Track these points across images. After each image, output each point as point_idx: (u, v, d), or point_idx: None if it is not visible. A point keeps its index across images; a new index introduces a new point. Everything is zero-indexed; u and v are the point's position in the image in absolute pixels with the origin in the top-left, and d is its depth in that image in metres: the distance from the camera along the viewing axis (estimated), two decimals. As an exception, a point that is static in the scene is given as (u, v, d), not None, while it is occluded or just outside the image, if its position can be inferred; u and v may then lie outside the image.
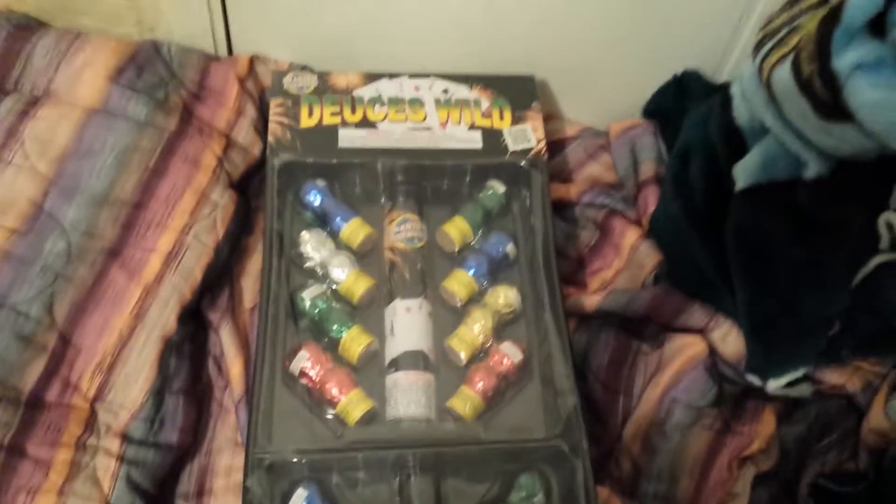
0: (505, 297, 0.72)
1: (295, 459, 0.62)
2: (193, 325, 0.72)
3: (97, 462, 0.63)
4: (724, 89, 0.78)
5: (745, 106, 0.74)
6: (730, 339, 0.75)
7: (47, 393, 0.64)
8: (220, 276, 0.76)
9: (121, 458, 0.63)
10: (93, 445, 0.63)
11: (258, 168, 0.82)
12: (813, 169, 0.71)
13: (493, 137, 0.81)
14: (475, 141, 0.81)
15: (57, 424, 0.63)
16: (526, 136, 0.82)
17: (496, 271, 0.75)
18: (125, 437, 0.64)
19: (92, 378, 0.65)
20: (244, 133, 0.81)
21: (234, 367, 0.70)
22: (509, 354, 0.69)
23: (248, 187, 0.82)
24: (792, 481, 0.71)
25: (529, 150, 0.80)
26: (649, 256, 0.81)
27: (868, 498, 0.66)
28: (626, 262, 0.82)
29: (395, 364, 0.68)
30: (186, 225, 0.72)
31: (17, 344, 0.64)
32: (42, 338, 0.65)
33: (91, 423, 0.64)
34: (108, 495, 0.61)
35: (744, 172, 0.74)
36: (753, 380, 0.73)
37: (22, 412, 0.62)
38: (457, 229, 0.76)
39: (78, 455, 0.63)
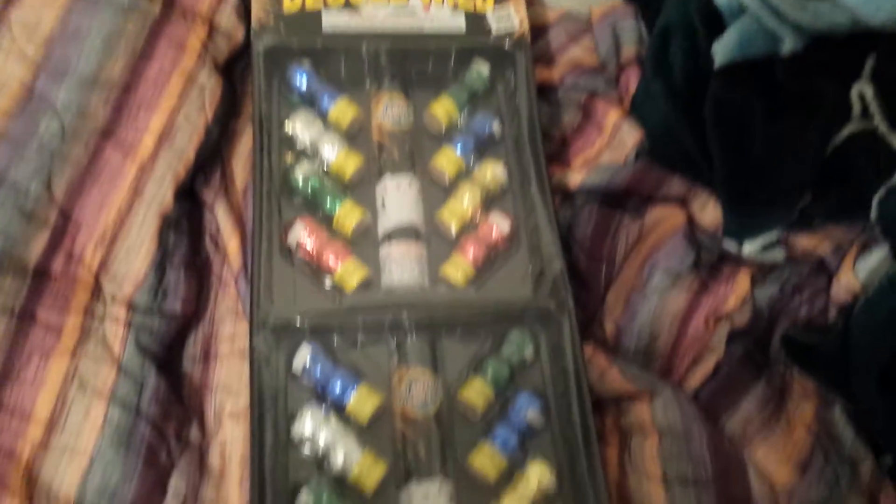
0: (492, 171, 0.74)
1: (298, 320, 0.65)
2: (189, 204, 0.74)
3: (106, 327, 0.65)
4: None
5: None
6: (707, 209, 0.79)
7: (52, 264, 0.66)
8: (212, 158, 0.77)
9: (128, 324, 0.66)
10: (100, 312, 0.66)
11: (242, 52, 0.82)
12: (788, 45, 0.73)
13: (476, 20, 0.82)
14: (458, 23, 0.82)
15: (64, 293, 0.65)
16: (509, 18, 0.83)
17: (483, 148, 0.77)
18: (130, 306, 0.67)
19: (94, 251, 0.67)
20: (226, 17, 0.81)
21: (232, 242, 0.73)
22: (498, 224, 0.72)
23: (233, 72, 0.83)
24: (764, 338, 0.75)
25: (513, 32, 0.82)
26: (630, 134, 0.83)
27: (836, 347, 0.70)
28: (608, 141, 0.85)
29: (388, 236, 0.71)
30: (176, 106, 0.73)
31: (20, 218, 0.66)
32: (43, 213, 0.67)
33: (97, 293, 0.67)
34: (118, 356, 0.64)
35: (722, 50, 0.76)
36: (729, 245, 0.77)
37: (29, 281, 0.64)
38: (443, 109, 0.77)
39: (87, 321, 0.65)
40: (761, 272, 0.78)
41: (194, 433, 0.66)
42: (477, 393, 0.65)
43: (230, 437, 0.66)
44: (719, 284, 0.76)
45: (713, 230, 0.78)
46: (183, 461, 0.64)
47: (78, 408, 0.62)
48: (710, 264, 0.78)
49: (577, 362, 0.65)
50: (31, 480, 0.59)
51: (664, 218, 0.79)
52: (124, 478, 0.61)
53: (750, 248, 0.76)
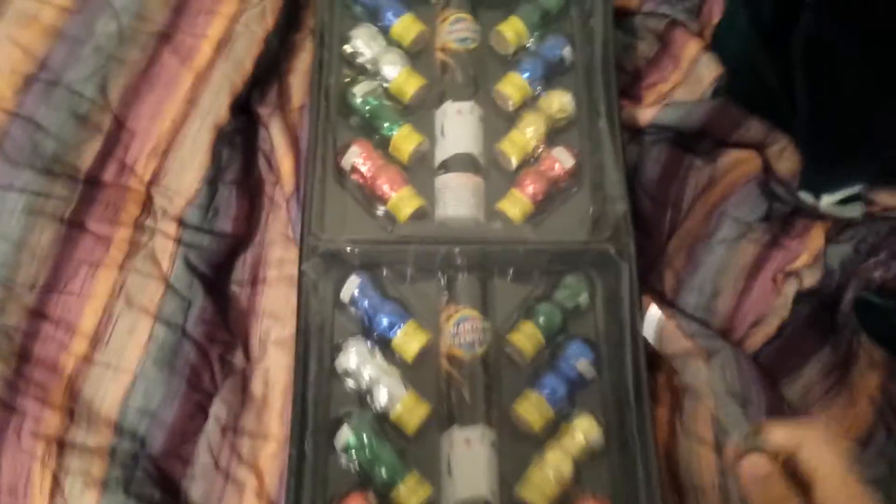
0: (559, 102, 0.70)
1: (348, 248, 0.63)
2: (244, 119, 0.72)
3: (155, 243, 0.64)
4: None
5: None
6: (786, 156, 0.74)
7: (104, 173, 0.65)
8: (269, 72, 0.74)
9: (178, 241, 0.65)
10: (150, 227, 0.65)
11: (307, -40, 0.78)
12: (892, -23, 0.66)
13: (555, -66, 0.76)
14: (536, -63, 0.76)
15: (115, 204, 0.64)
16: (590, -67, 0.77)
17: (551, 76, 0.73)
18: (181, 222, 0.65)
19: (147, 162, 0.66)
20: (291, -77, 0.77)
21: (285, 162, 0.70)
22: (561, 160, 0.68)
23: (296, -19, 0.79)
24: (833, 300, 0.71)
25: (593, -52, 0.76)
26: (709, 69, 0.77)
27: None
28: (684, 75, 0.79)
29: (445, 166, 0.68)
30: (237, 12, 0.70)
31: (74, 122, 0.64)
32: (97, 118, 0.65)
33: (148, 206, 0.66)
34: (167, 273, 0.63)
35: None
36: (806, 197, 0.72)
37: (80, 189, 0.63)
38: (512, 30, 0.73)
39: (136, 234, 0.64)
40: (836, 228, 0.73)
41: (238, 358, 0.66)
42: (527, 337, 0.63)
43: (274, 365, 0.66)
44: (791, 239, 0.72)
45: (790, 179, 0.73)
46: (225, 386, 0.64)
47: (123, 323, 0.61)
48: (782, 217, 0.73)
49: (634, 313, 0.62)
50: (72, 395, 0.60)
51: (738, 163, 0.74)
52: (166, 399, 0.61)
53: (828, 200, 0.71)
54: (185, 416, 0.62)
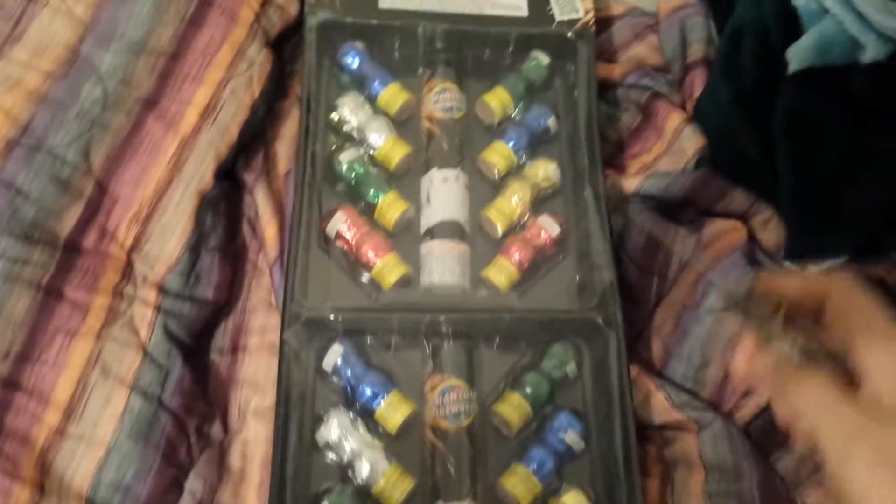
0: (544, 170, 0.71)
1: (332, 316, 0.62)
2: (228, 185, 0.71)
3: (134, 310, 0.63)
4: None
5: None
6: (770, 226, 0.74)
7: (84, 239, 0.64)
8: (255, 138, 0.74)
9: (157, 308, 0.63)
10: (130, 294, 0.63)
11: (295, 29, 0.79)
12: (871, 53, 0.67)
13: (538, 4, 0.78)
14: (520, 7, 0.78)
15: (94, 270, 0.63)
16: (573, 5, 0.78)
17: (536, 145, 0.73)
18: (161, 289, 0.64)
19: (129, 228, 0.65)
20: (281, -10, 0.78)
21: (269, 228, 0.70)
22: (546, 227, 0.68)
23: (283, 51, 0.79)
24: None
25: (577, 20, 0.77)
26: (692, 140, 0.78)
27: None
28: (667, 146, 0.80)
29: (431, 233, 0.67)
30: (223, 79, 0.70)
31: (55, 188, 0.63)
32: (79, 183, 0.65)
33: (128, 273, 0.64)
34: (145, 342, 0.62)
35: (798, 55, 0.70)
36: (791, 267, 0.72)
37: (59, 255, 0.62)
38: (497, 100, 0.74)
39: (115, 301, 0.63)
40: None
41: (216, 430, 0.64)
42: (513, 408, 0.61)
43: (253, 437, 0.64)
44: (778, 310, 0.71)
45: (775, 250, 0.73)
46: (202, 460, 0.62)
47: (98, 394, 0.59)
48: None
49: (623, 383, 0.61)
50: (44, 468, 0.57)
51: (723, 233, 0.74)
52: (140, 473, 0.59)
53: (814, 269, 0.71)
54: (160, 492, 0.60)
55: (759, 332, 0.38)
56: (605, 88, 0.83)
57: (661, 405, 0.66)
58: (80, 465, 0.58)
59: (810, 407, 0.34)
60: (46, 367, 0.59)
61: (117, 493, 0.58)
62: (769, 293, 0.38)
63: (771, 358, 0.37)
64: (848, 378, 0.34)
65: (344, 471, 0.60)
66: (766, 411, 0.68)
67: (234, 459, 0.63)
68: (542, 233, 0.67)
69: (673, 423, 0.66)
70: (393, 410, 0.60)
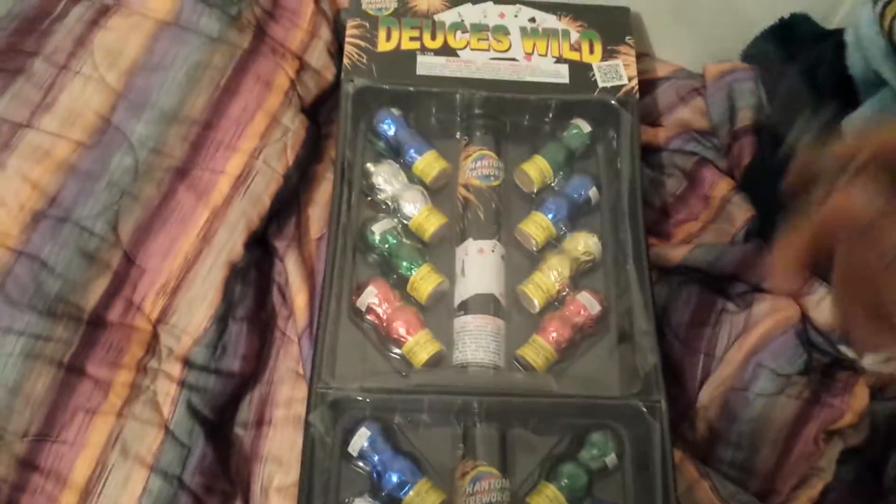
0: (585, 243, 0.68)
1: (360, 398, 0.59)
2: (259, 251, 0.70)
3: (158, 386, 0.61)
4: (836, 35, 0.71)
5: (860, 55, 0.67)
6: (824, 306, 0.70)
7: (109, 313, 0.62)
8: (288, 204, 0.73)
9: (182, 383, 0.61)
10: (154, 368, 0.62)
11: (330, 93, 0.78)
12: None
13: (580, 72, 0.76)
14: (561, 75, 0.76)
15: (118, 345, 0.61)
16: (617, 72, 0.76)
17: (576, 216, 0.71)
18: (187, 362, 0.62)
19: (155, 300, 0.63)
20: (318, 55, 0.77)
21: (299, 297, 0.68)
22: (587, 305, 0.65)
23: (318, 113, 0.78)
24: (879, 461, 0.66)
25: (620, 87, 0.75)
26: (741, 210, 0.75)
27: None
28: (714, 215, 0.77)
29: (465, 307, 0.65)
30: (256, 148, 0.69)
31: (81, 261, 0.62)
32: (106, 256, 0.63)
33: (153, 346, 0.63)
34: (167, 420, 0.60)
35: (855, 126, 0.67)
36: (847, 352, 0.68)
37: (83, 331, 0.61)
38: (536, 169, 0.71)
39: (139, 378, 0.61)
40: (879, 382, 0.69)
41: (238, 508, 0.61)
42: (549, 502, 0.58)
43: (276, 514, 0.61)
44: (833, 396, 0.67)
45: (829, 331, 0.69)
46: None
47: (117, 475, 0.57)
48: (821, 369, 0.69)
49: (667, 476, 0.58)
50: (60, 552, 0.55)
51: (774, 311, 0.70)
52: (160, 557, 0.56)
53: (871, 360, 0.66)
54: (179, 576, 0.57)
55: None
56: (649, 152, 0.81)
57: (706, 496, 0.62)
58: (96, 548, 0.56)
59: None
60: (65, 447, 0.57)
61: (135, 577, 0.56)
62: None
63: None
64: None
65: (369, 562, 0.57)
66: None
67: (257, 539, 0.61)
68: (582, 311, 0.64)
69: (718, 515, 0.62)
70: (421, 501, 0.57)
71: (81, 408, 0.59)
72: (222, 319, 0.65)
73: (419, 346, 0.62)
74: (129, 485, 0.57)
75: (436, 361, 0.63)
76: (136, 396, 0.60)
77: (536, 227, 0.68)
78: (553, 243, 0.69)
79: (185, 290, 0.64)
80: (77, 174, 0.65)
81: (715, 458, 0.66)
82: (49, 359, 0.59)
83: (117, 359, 0.61)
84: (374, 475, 0.59)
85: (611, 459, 0.60)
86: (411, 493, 0.57)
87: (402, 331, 0.63)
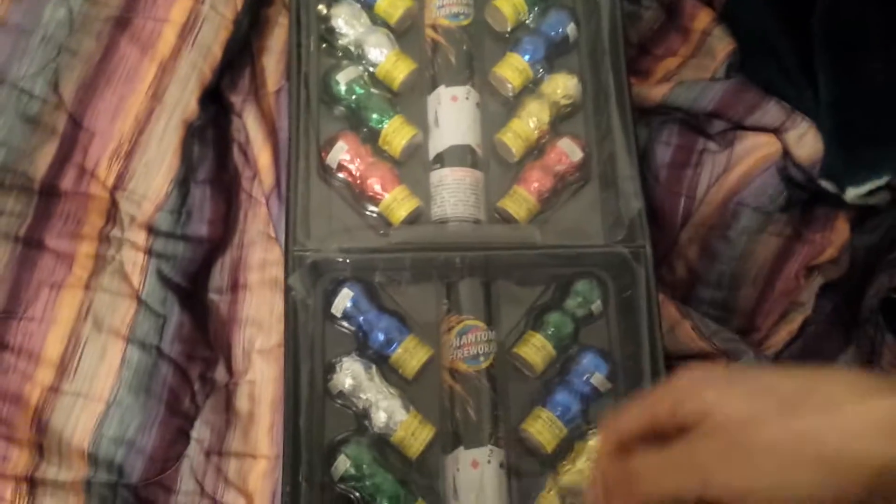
0: (564, 86, 0.64)
1: (339, 259, 0.57)
2: (214, 108, 0.65)
3: (123, 255, 0.58)
4: None
5: None
6: (806, 141, 0.68)
7: (62, 180, 0.58)
8: (240, 55, 0.67)
9: (149, 252, 0.58)
10: (117, 238, 0.58)
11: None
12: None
13: None
14: None
15: (76, 215, 0.58)
16: None
17: (554, 57, 0.66)
18: (151, 230, 0.59)
19: (110, 165, 0.59)
20: None
21: (263, 155, 0.64)
22: (568, 152, 0.62)
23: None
24: (856, 292, 0.67)
25: (596, -90, 0.69)
26: (722, 43, 0.72)
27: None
28: (694, 49, 0.73)
29: (441, 159, 0.62)
30: (200, -8, 0.63)
31: (24, 126, 0.57)
32: (50, 119, 0.58)
33: (113, 215, 0.59)
34: (138, 289, 0.57)
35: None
36: (828, 186, 0.67)
37: (36, 202, 0.57)
38: (509, 4, 0.66)
39: (102, 248, 0.58)
40: (859, 215, 0.69)
41: (220, 374, 0.60)
42: (536, 350, 0.58)
43: (260, 377, 0.60)
44: (815, 232, 0.67)
45: (810, 166, 0.68)
46: (207, 406, 0.59)
47: (92, 348, 0.56)
48: (801, 205, 0.68)
49: (653, 319, 0.57)
50: (40, 428, 0.54)
51: (756, 148, 0.68)
52: (143, 426, 0.56)
53: (854, 193, 0.66)
54: (166, 443, 0.57)
55: None
56: (626, -16, 0.76)
57: (688, 335, 0.63)
58: (78, 421, 0.55)
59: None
60: (34, 324, 0.55)
61: (120, 447, 0.55)
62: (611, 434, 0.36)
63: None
64: None
65: (359, 419, 0.57)
66: (797, 339, 0.65)
67: (242, 402, 0.61)
68: (563, 158, 0.62)
69: (700, 353, 0.63)
70: (409, 357, 0.57)
71: (45, 282, 0.56)
72: (183, 183, 0.61)
73: (397, 202, 0.60)
74: (105, 357, 0.56)
75: (414, 218, 0.61)
76: (102, 268, 0.57)
77: (512, 69, 0.64)
78: (530, 87, 0.65)
79: (141, 154, 0.60)
80: (6, 30, 0.58)
81: (695, 299, 0.66)
82: (3, 233, 0.55)
83: (76, 229, 0.57)
84: (360, 335, 0.58)
85: (596, 307, 0.60)
86: (399, 349, 0.57)
87: (377, 188, 0.60)
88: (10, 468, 0.52)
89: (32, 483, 0.53)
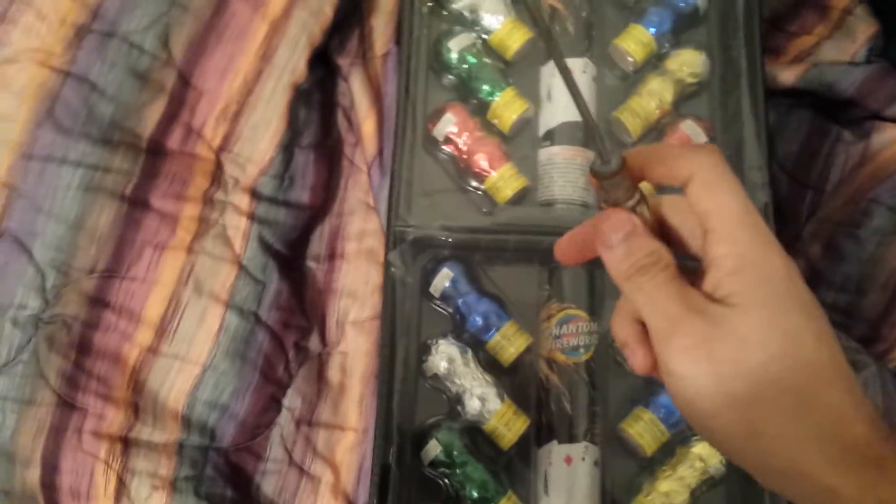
0: (691, 62, 0.60)
1: (441, 237, 0.55)
2: (322, 70, 0.63)
3: (227, 219, 0.57)
4: None
5: None
6: (954, 135, 0.62)
7: (169, 139, 0.58)
8: (349, 16, 0.65)
9: (251, 216, 0.58)
10: (221, 201, 0.58)
11: None
12: None
13: None
14: None
15: (181, 176, 0.57)
16: None
17: (681, 30, 0.62)
18: (254, 194, 0.58)
19: (216, 126, 0.58)
20: None
21: (367, 122, 0.62)
22: (691, 135, 0.58)
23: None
24: None
25: None
26: (864, 24, 0.66)
27: None
28: (832, 29, 0.67)
29: (551, 136, 0.59)
30: (313, -52, 0.60)
31: (134, 82, 0.57)
32: (159, 76, 0.58)
33: (217, 177, 0.58)
34: (239, 255, 0.57)
35: None
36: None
37: (143, 160, 0.57)
38: (636, -27, 0.62)
39: (206, 210, 0.57)
40: None
41: (314, 343, 0.59)
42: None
43: (352, 349, 0.59)
44: (957, 236, 0.61)
45: (958, 163, 0.62)
46: (300, 375, 0.58)
47: (192, 312, 0.55)
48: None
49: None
50: (136, 388, 0.55)
51: (895, 141, 0.62)
52: (237, 392, 0.55)
53: None
54: (258, 410, 0.57)
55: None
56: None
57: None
58: (174, 383, 0.55)
59: (648, 294, 0.31)
60: (136, 284, 0.55)
61: (214, 411, 0.55)
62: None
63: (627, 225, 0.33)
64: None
65: (452, 403, 0.55)
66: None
67: (334, 373, 0.60)
68: (686, 142, 0.58)
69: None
70: (507, 344, 0.55)
71: (149, 243, 0.56)
72: (288, 147, 0.60)
73: (503, 181, 0.57)
74: (205, 322, 0.55)
75: (520, 197, 0.58)
76: (206, 231, 0.57)
77: (635, 42, 0.60)
78: (653, 62, 0.61)
79: (248, 115, 0.59)
80: (118, -20, 0.57)
81: (815, 300, 0.62)
82: (110, 191, 0.55)
83: (182, 190, 0.57)
84: (457, 317, 0.56)
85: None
86: (497, 335, 0.55)
87: (484, 164, 0.57)
88: (105, 427, 0.53)
89: (126, 443, 0.54)
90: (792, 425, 0.28)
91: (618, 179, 0.32)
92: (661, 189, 0.37)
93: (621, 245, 0.33)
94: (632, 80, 0.61)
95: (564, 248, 0.37)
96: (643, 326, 0.33)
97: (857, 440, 0.28)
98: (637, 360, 0.33)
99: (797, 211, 0.63)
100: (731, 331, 0.29)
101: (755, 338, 0.29)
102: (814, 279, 0.62)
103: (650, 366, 0.33)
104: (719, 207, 0.31)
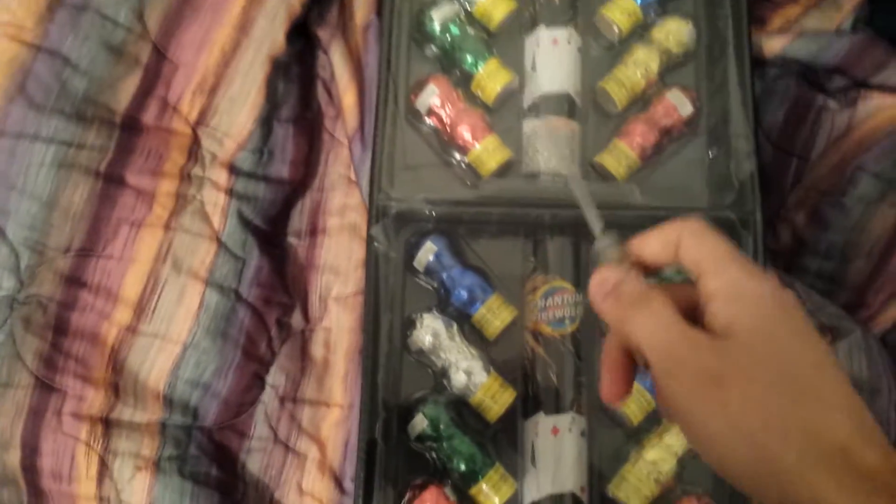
0: (677, 31, 0.59)
1: (426, 210, 0.54)
2: (301, 42, 0.62)
3: (204, 195, 0.56)
4: None
5: None
6: (940, 103, 0.62)
7: (144, 114, 0.56)
8: (328, -15, 0.64)
9: (229, 192, 0.56)
10: (198, 176, 0.57)
11: None
12: None
13: None
14: None
15: (157, 151, 0.56)
16: None
17: (666, -1, 0.61)
18: (232, 169, 0.57)
19: (193, 100, 0.57)
20: None
21: (348, 95, 0.61)
22: (677, 104, 0.57)
23: None
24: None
25: None
26: (850, -8, 0.65)
27: None
28: (818, -2, 0.67)
29: (536, 108, 0.58)
30: (290, -85, 0.59)
31: (107, 55, 0.55)
32: (134, 49, 0.56)
33: (194, 152, 0.57)
34: (218, 231, 0.56)
35: None
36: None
37: (117, 136, 0.55)
38: (620, -61, 0.61)
39: (183, 186, 0.56)
40: None
41: (297, 319, 0.59)
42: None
43: (336, 325, 0.59)
44: (941, 203, 0.61)
45: (943, 131, 0.62)
46: (283, 352, 0.57)
47: (171, 290, 0.54)
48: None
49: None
50: (116, 368, 0.54)
51: (880, 109, 0.62)
52: (220, 370, 0.55)
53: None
54: (241, 388, 0.56)
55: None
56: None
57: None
58: (155, 362, 0.54)
59: (644, 327, 0.32)
60: (112, 262, 0.54)
61: (196, 389, 0.55)
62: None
63: (617, 276, 0.34)
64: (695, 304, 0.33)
65: (437, 377, 0.55)
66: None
67: (317, 349, 0.59)
68: (672, 111, 0.57)
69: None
70: (493, 317, 0.54)
71: (125, 220, 0.54)
72: (266, 121, 0.59)
73: (487, 153, 0.56)
74: (184, 299, 0.55)
75: (505, 170, 0.57)
76: (183, 207, 0.56)
77: (620, 11, 0.59)
78: (639, 32, 0.60)
79: (225, 89, 0.57)
80: (90, -49, 0.56)
81: (800, 268, 0.62)
82: (84, 168, 0.54)
83: (158, 166, 0.56)
84: (442, 291, 0.55)
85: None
86: (482, 308, 0.54)
87: (467, 136, 0.56)
88: (85, 408, 0.52)
89: (107, 424, 0.53)
90: (803, 454, 0.28)
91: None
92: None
93: (613, 292, 0.34)
94: (617, 49, 0.60)
95: (608, 388, 0.35)
96: (627, 359, 0.34)
97: (870, 469, 0.27)
98: (604, 387, 0.34)
99: (782, 179, 0.63)
100: (731, 363, 0.29)
101: (756, 370, 0.29)
102: (799, 247, 0.62)
103: (616, 396, 0.34)
104: (708, 251, 0.32)
